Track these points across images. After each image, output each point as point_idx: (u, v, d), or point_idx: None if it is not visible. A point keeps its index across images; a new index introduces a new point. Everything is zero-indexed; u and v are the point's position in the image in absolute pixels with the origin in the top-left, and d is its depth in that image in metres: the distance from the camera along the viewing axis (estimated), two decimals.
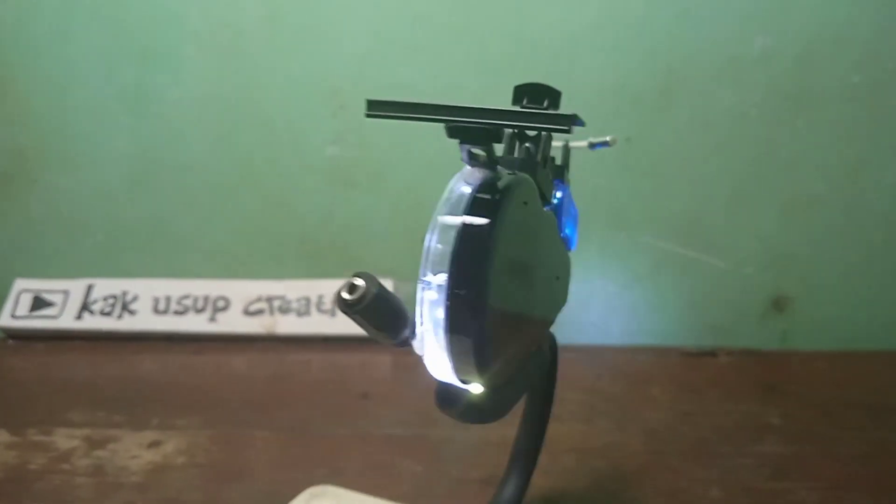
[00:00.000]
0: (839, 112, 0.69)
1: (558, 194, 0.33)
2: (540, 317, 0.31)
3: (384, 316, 0.25)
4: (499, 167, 0.26)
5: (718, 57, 0.67)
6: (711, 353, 0.70)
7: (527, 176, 0.28)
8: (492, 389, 0.27)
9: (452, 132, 0.23)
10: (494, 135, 0.24)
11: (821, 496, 0.47)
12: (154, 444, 0.51)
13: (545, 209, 0.30)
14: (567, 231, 0.34)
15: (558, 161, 0.35)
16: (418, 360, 0.26)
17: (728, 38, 0.66)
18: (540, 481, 0.47)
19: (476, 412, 0.28)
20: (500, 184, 0.26)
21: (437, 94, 0.66)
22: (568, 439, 0.52)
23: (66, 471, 0.47)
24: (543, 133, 0.30)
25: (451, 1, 0.66)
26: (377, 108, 0.24)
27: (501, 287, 0.25)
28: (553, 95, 0.30)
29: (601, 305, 0.73)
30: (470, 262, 0.24)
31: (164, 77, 0.68)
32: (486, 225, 0.24)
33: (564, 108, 0.73)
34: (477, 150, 0.25)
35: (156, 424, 0.53)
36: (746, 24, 0.66)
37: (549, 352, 0.36)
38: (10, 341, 0.69)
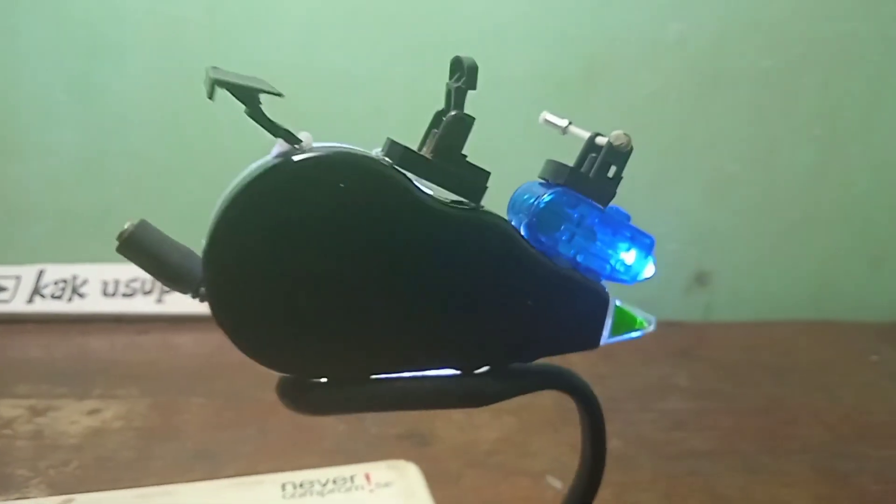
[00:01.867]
0: (752, 95, 0.73)
1: (544, 198, 0.28)
2: (432, 337, 0.27)
3: (146, 263, 0.26)
4: (314, 144, 0.25)
5: (637, 43, 0.71)
6: None
7: (356, 154, 0.25)
8: (303, 380, 0.27)
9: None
10: (243, 100, 0.24)
11: (712, 444, 0.51)
12: (94, 412, 0.54)
13: (485, 215, 0.27)
14: (591, 259, 0.29)
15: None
16: None
17: (645, 24, 0.70)
18: (454, 435, 0.51)
19: (284, 394, 0.27)
20: (291, 156, 0.25)
21: (371, 80, 0.70)
22: None
23: (7, 436, 0.50)
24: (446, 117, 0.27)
25: None
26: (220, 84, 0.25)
27: (281, 274, 0.25)
28: (467, 69, 0.27)
29: None
30: (217, 232, 0.25)
31: (109, 68, 0.71)
32: (237, 194, 0.24)
33: (491, 95, 0.76)
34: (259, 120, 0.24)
35: (97, 395, 0.56)
36: (662, 11, 0.70)
37: (585, 411, 0.33)
38: None
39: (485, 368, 0.29)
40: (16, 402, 0.55)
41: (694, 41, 0.71)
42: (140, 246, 0.26)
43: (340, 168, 0.25)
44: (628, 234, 0.29)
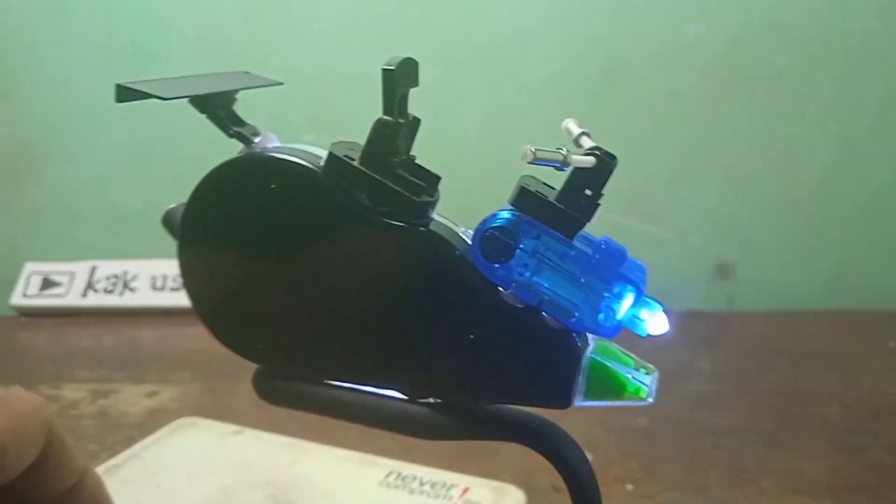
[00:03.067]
0: (769, 92, 0.76)
1: (490, 222, 0.24)
2: (369, 352, 0.27)
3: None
4: (261, 148, 0.27)
5: (656, 44, 0.74)
6: None
7: (284, 158, 0.26)
8: (265, 370, 0.29)
9: None
10: (197, 107, 0.27)
11: (731, 422, 0.53)
12: (151, 394, 0.58)
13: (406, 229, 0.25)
14: (549, 301, 0.24)
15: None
16: None
17: (664, 26, 0.73)
18: None
19: (253, 379, 0.29)
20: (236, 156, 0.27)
21: None
22: None
23: (74, 415, 0.54)
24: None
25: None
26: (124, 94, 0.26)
27: (228, 264, 0.27)
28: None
29: None
30: (182, 223, 0.27)
31: (155, 74, 0.74)
32: (193, 191, 0.27)
33: (515, 96, 0.79)
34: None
35: (153, 379, 0.60)
36: (680, 13, 0.73)
37: (568, 484, 0.28)
38: (23, 318, 0.76)
39: (433, 400, 0.27)
40: (78, 385, 0.59)
41: (712, 42, 0.74)
42: (175, 223, 0.29)
43: (268, 170, 0.26)
44: (603, 276, 0.24)
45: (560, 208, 0.23)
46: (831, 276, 0.79)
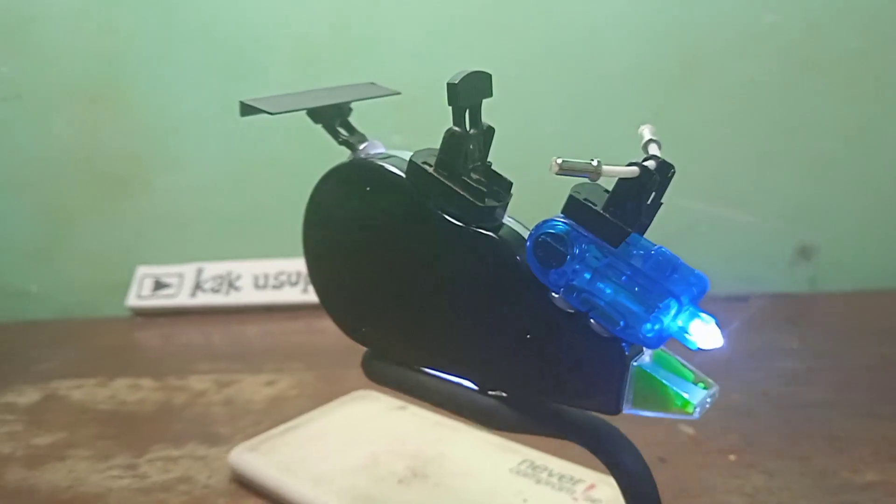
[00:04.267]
0: (846, 76, 0.76)
1: (542, 228, 0.25)
2: (446, 342, 0.29)
3: None
4: (365, 154, 0.30)
5: (732, 33, 0.76)
6: (743, 299, 0.78)
7: (375, 164, 0.29)
8: (371, 352, 0.33)
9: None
10: (314, 118, 0.31)
11: (825, 396, 0.55)
12: (270, 383, 0.62)
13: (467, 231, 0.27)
14: (596, 309, 0.24)
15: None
16: None
17: (738, 15, 0.75)
18: None
19: (362, 361, 0.34)
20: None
21: None
22: None
23: (203, 403, 0.59)
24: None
25: (490, 3, 0.76)
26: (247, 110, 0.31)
27: (340, 257, 0.31)
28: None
29: None
30: (304, 221, 0.33)
31: (252, 86, 0.80)
32: (312, 191, 0.32)
33: (595, 91, 0.81)
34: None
35: (269, 369, 0.65)
36: (754, 1, 0.75)
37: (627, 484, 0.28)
38: (138, 318, 0.82)
39: (502, 394, 0.29)
40: (201, 377, 0.64)
41: (788, 28, 0.75)
42: None
43: (364, 174, 0.29)
44: (650, 286, 0.24)
45: (605, 217, 0.24)
46: None
